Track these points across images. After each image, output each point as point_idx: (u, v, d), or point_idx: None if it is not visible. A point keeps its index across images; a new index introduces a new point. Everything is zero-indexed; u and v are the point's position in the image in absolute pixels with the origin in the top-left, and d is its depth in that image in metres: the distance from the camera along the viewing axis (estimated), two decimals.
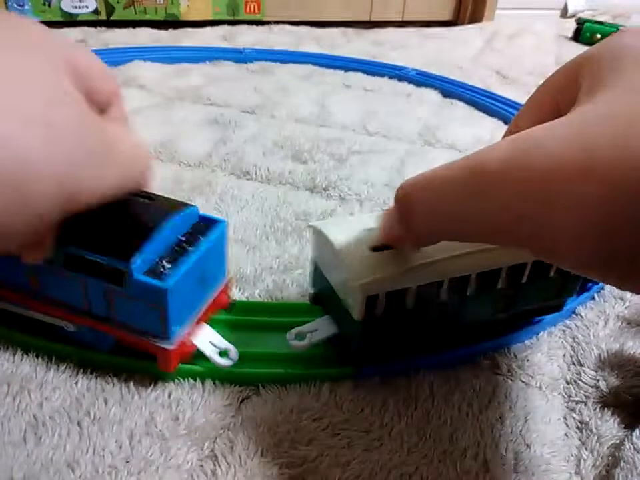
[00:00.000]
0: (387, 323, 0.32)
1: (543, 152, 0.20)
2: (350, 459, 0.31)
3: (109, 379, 0.34)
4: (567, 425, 0.35)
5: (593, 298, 0.46)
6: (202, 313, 0.35)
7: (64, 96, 0.23)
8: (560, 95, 0.26)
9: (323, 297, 0.37)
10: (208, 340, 0.35)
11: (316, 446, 0.31)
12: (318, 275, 0.36)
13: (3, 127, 0.20)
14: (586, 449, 0.33)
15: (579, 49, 1.39)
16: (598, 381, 0.38)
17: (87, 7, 1.18)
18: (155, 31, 1.21)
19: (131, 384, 0.34)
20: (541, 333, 0.42)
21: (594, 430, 0.34)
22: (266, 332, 0.39)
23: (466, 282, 0.33)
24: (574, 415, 0.36)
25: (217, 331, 0.36)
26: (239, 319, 0.40)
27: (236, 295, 0.44)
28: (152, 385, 0.34)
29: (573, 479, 0.31)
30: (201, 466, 0.30)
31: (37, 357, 0.35)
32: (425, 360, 0.37)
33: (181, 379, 0.35)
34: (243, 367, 0.35)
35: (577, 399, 0.37)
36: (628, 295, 0.47)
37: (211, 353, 0.34)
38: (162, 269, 0.30)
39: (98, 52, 1.00)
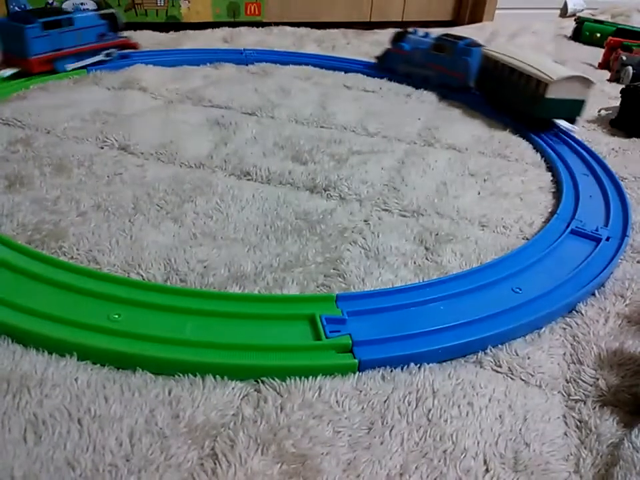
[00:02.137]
0: None
1: None
2: (351, 458, 0.31)
3: (110, 375, 0.35)
4: (567, 424, 0.35)
5: (594, 294, 0.46)
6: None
7: None
8: None
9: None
10: None
11: (317, 444, 0.31)
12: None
13: None
14: (585, 447, 0.33)
15: (578, 48, 1.40)
16: (597, 379, 0.38)
17: (87, 9, 1.18)
18: (156, 34, 1.21)
19: (132, 380, 0.34)
20: (543, 329, 0.42)
21: (593, 429, 0.34)
22: (266, 324, 0.39)
23: None
24: (573, 414, 0.36)
25: (217, 325, 0.36)
26: (241, 310, 0.40)
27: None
28: (152, 382, 0.34)
29: (572, 478, 0.31)
30: (202, 464, 0.30)
31: (37, 353, 0.35)
32: (426, 353, 0.38)
33: (181, 375, 0.35)
34: (245, 359, 0.36)
35: (576, 397, 0.37)
36: (628, 292, 0.47)
37: None
38: None
39: None
